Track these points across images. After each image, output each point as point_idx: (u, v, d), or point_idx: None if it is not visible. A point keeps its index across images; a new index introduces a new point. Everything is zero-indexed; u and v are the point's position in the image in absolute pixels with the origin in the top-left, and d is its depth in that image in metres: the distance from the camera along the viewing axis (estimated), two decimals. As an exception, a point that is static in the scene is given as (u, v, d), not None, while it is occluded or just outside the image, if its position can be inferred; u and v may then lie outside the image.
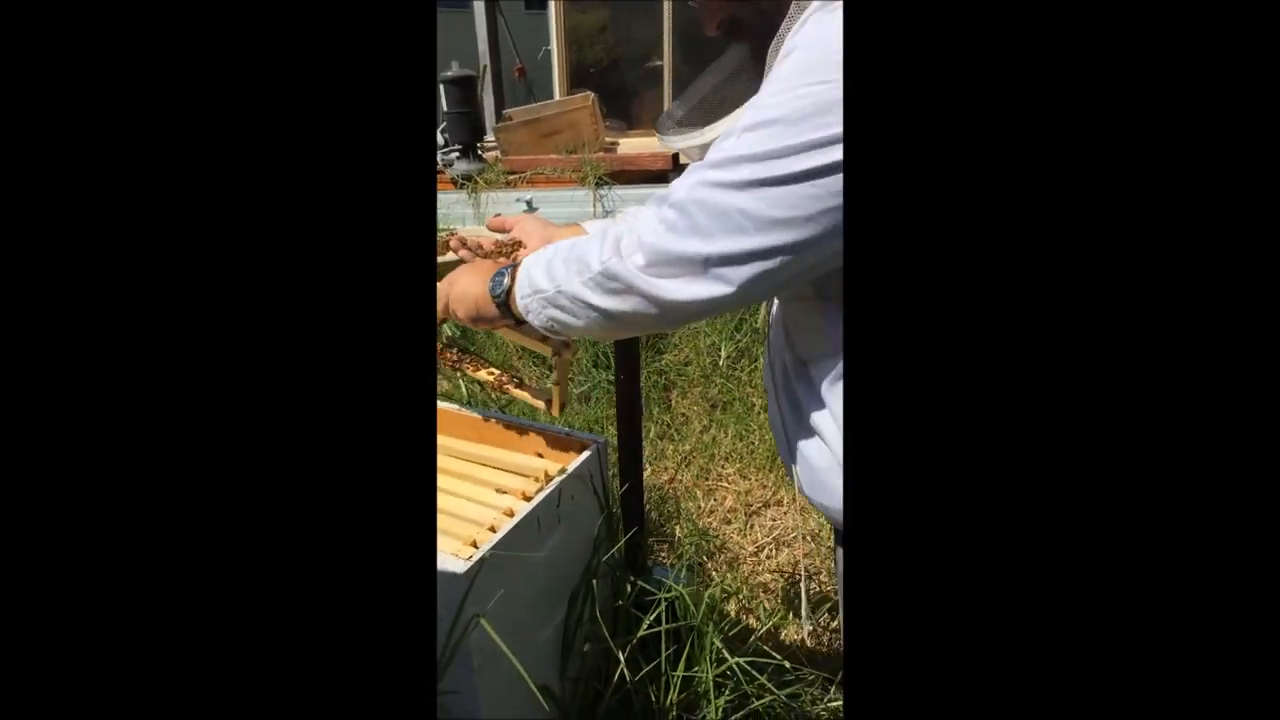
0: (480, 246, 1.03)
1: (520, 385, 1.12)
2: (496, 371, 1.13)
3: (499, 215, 1.07)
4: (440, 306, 0.94)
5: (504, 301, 0.82)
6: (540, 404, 1.08)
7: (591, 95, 4.16)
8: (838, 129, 0.57)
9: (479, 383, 1.23)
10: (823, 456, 0.74)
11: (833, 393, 0.72)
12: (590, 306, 0.71)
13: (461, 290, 0.89)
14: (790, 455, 0.79)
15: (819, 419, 0.74)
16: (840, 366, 0.71)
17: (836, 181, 0.58)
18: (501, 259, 0.99)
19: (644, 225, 0.67)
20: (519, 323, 0.83)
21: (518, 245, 1.01)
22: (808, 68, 0.58)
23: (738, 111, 0.72)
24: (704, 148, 0.76)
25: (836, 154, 0.57)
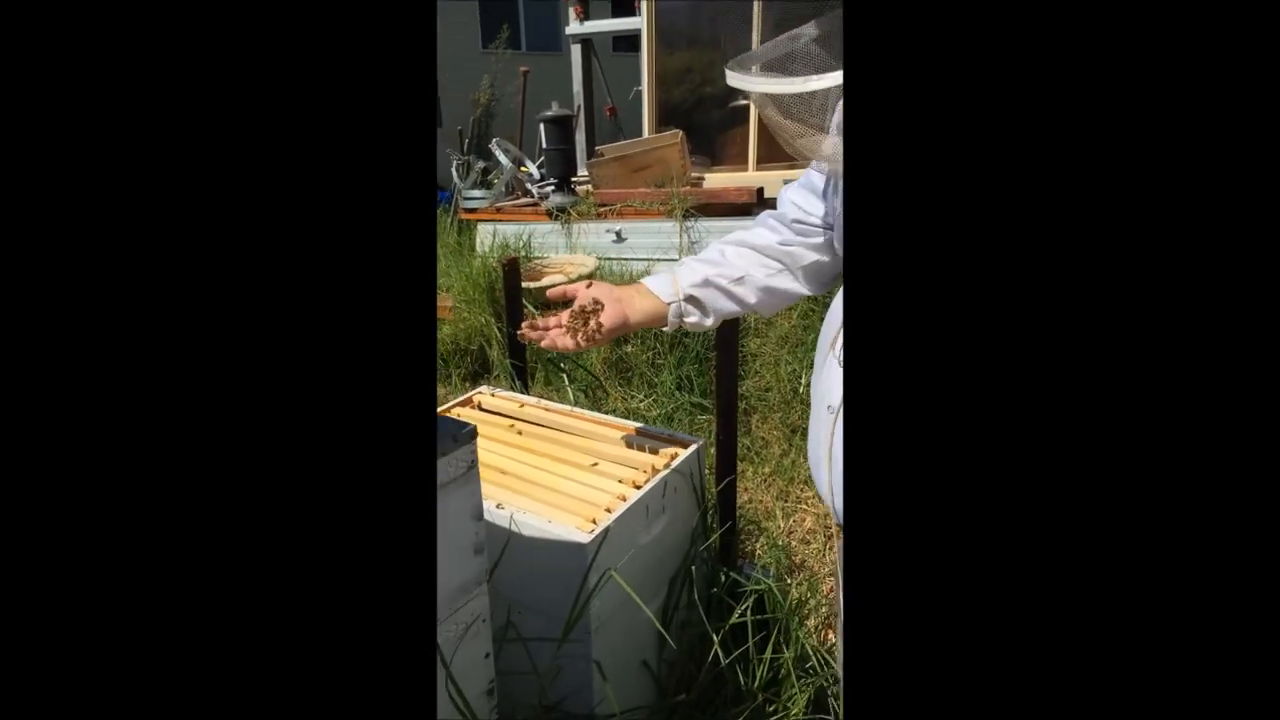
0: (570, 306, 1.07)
1: None
2: None
3: (559, 286, 1.13)
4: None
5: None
6: None
7: (680, 133, 4.35)
8: None
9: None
10: None
11: None
12: None
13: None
14: None
15: None
16: None
17: None
18: (584, 322, 1.05)
19: None
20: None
21: (597, 305, 1.06)
22: None
23: (804, 79, 0.71)
24: (766, 97, 0.74)
25: None
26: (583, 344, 1.03)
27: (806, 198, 1.01)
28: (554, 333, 1.06)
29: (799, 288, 1.05)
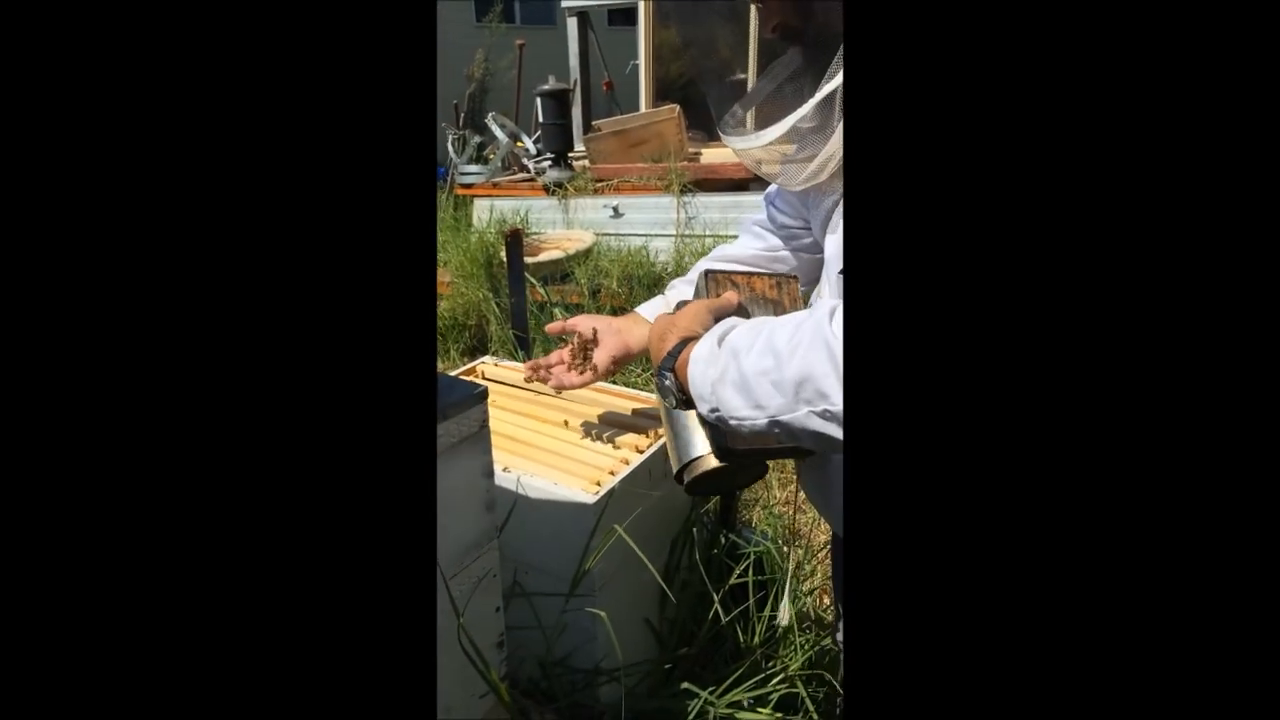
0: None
1: None
2: None
3: (556, 323, 1.13)
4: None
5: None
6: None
7: (677, 108, 4.34)
8: None
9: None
10: None
11: None
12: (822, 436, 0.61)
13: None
14: None
15: None
16: None
17: None
18: (586, 357, 1.06)
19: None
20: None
21: (594, 340, 1.08)
22: None
23: (790, 118, 0.73)
24: (758, 151, 0.76)
25: None
26: (590, 379, 1.07)
27: (789, 202, 1.02)
28: (558, 369, 1.10)
29: None
